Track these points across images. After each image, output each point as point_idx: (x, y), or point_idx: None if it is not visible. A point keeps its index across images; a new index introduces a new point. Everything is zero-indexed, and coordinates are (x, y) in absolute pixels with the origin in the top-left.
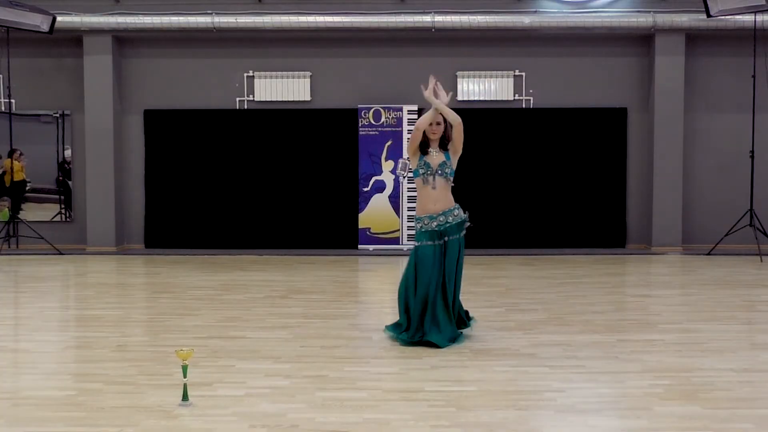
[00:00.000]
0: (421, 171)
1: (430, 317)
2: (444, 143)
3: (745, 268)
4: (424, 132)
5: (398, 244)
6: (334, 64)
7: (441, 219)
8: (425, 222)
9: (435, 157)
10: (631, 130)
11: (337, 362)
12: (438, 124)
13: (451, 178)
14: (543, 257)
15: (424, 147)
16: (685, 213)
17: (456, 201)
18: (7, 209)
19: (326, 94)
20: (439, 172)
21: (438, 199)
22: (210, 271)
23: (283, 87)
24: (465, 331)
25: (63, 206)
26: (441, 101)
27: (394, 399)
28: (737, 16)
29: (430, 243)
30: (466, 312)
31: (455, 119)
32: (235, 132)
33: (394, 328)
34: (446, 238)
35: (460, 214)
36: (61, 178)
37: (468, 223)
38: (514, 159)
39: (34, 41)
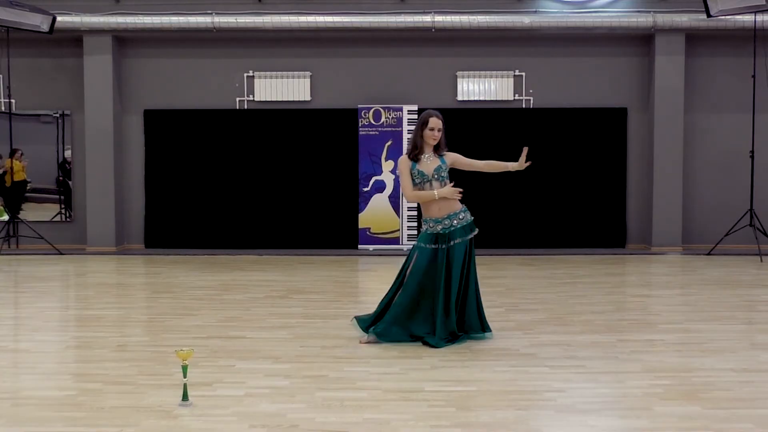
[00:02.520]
0: (417, 180)
1: (442, 317)
2: (437, 148)
3: (745, 268)
4: (422, 137)
5: (398, 244)
6: (334, 64)
7: (446, 222)
8: (430, 225)
9: (429, 163)
10: (631, 130)
11: (337, 362)
12: (439, 130)
13: (448, 182)
14: (543, 257)
15: (416, 154)
16: (685, 213)
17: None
18: (2, 207)
19: (326, 94)
20: (436, 176)
21: (441, 204)
22: (210, 271)
23: (283, 87)
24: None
25: (63, 206)
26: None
27: (394, 399)
28: (737, 16)
29: (430, 246)
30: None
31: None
32: (235, 132)
33: (365, 321)
34: (451, 243)
35: (466, 217)
36: (61, 178)
37: (474, 230)
38: (515, 159)
39: (34, 41)
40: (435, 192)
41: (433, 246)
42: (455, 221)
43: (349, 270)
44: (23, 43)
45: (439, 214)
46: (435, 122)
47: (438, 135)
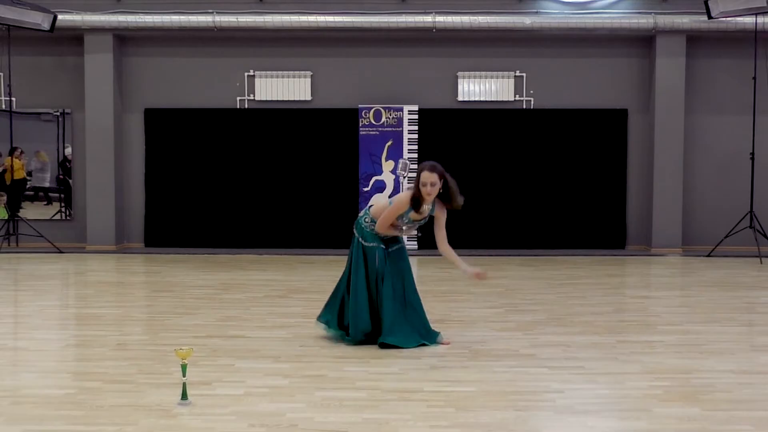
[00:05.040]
0: (405, 219)
1: (395, 318)
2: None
3: (745, 269)
4: (420, 192)
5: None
6: (335, 63)
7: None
8: (381, 236)
9: (424, 211)
10: (631, 131)
11: (337, 362)
12: (432, 184)
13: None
14: (543, 257)
15: (417, 205)
16: (685, 214)
17: None
18: (3, 206)
19: (327, 93)
20: (415, 224)
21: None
22: (210, 270)
23: (283, 86)
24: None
25: (63, 204)
26: None
27: (393, 399)
28: (738, 18)
29: (379, 246)
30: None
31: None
32: (236, 131)
33: (327, 322)
34: (395, 247)
35: None
36: (61, 176)
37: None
38: (515, 160)
39: (35, 39)
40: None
41: (388, 248)
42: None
43: None
44: (24, 41)
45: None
46: (426, 177)
47: (431, 191)
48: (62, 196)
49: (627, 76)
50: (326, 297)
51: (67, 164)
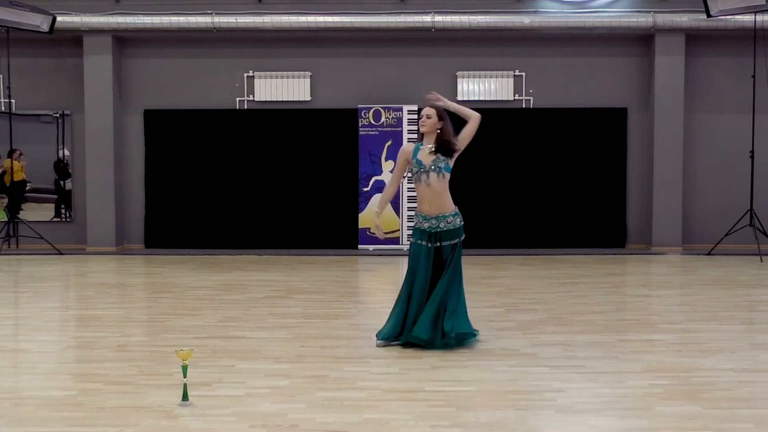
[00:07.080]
0: (414, 169)
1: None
2: (440, 144)
3: (745, 268)
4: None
5: (398, 244)
6: (334, 64)
7: (433, 222)
8: (419, 220)
9: (428, 154)
10: (631, 130)
11: (337, 362)
12: (428, 117)
13: (447, 174)
14: (543, 257)
15: (419, 136)
16: (685, 213)
17: (456, 201)
18: (4, 209)
19: (326, 94)
20: (433, 167)
21: (433, 200)
22: (210, 271)
23: (283, 87)
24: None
25: (62, 206)
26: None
27: (394, 399)
28: (737, 16)
29: (420, 243)
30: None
31: (471, 114)
32: (235, 132)
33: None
34: (438, 244)
35: (454, 221)
36: (56, 178)
37: (461, 236)
38: (514, 159)
39: (34, 41)
40: (377, 211)
41: (424, 243)
42: (442, 224)
43: (349, 270)
44: (23, 43)
45: (429, 211)
46: (424, 110)
47: (425, 122)
48: (57, 197)
49: (626, 75)
50: (326, 297)
51: (61, 165)
